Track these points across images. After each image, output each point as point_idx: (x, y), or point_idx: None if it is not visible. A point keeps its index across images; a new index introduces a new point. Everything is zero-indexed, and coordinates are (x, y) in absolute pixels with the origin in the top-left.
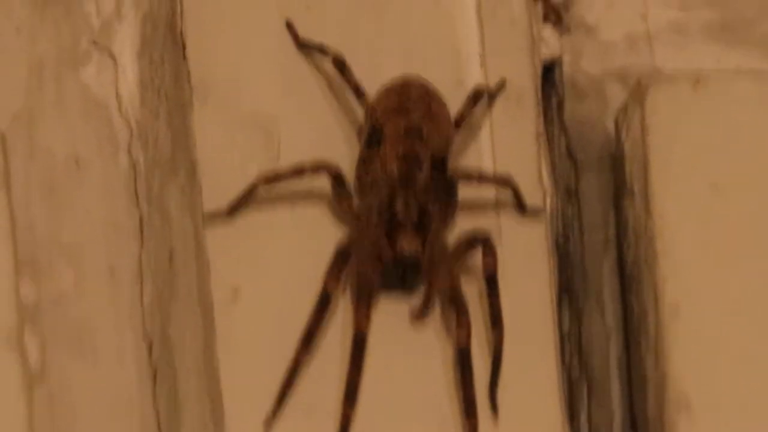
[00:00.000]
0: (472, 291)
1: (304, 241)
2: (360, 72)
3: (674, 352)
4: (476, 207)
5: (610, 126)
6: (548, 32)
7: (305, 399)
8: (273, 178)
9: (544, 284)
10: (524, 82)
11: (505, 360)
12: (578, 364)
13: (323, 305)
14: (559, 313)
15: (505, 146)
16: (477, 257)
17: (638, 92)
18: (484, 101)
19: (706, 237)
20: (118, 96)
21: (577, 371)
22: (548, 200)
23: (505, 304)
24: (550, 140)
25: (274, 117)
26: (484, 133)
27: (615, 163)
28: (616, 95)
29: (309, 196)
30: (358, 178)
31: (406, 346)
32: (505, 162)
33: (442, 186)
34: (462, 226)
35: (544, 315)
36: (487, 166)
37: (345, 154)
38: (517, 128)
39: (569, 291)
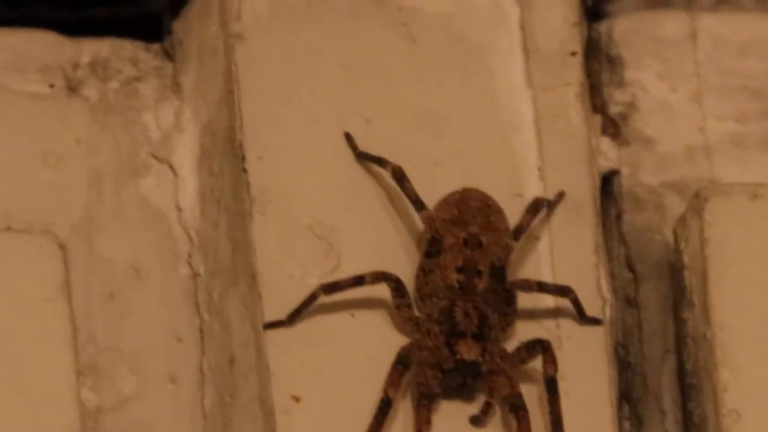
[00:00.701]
0: (532, 398)
1: (364, 349)
2: (419, 185)
3: None
4: (536, 316)
5: (669, 237)
6: (607, 144)
7: None
8: (333, 288)
9: (604, 391)
10: (583, 194)
11: None
12: None
13: (384, 410)
14: (619, 419)
15: (564, 256)
16: (538, 365)
17: (697, 203)
18: (543, 212)
19: (766, 345)
20: (177, 207)
21: None
22: (607, 310)
23: (565, 411)
24: (609, 251)
25: (333, 228)
26: (544, 244)
27: (674, 273)
28: (675, 206)
29: (369, 305)
30: (418, 287)
31: None
32: (565, 272)
33: (501, 295)
34: (522, 335)
35: (604, 421)
36: (547, 276)
37: (405, 264)
38: (576, 239)
39: (629, 398)
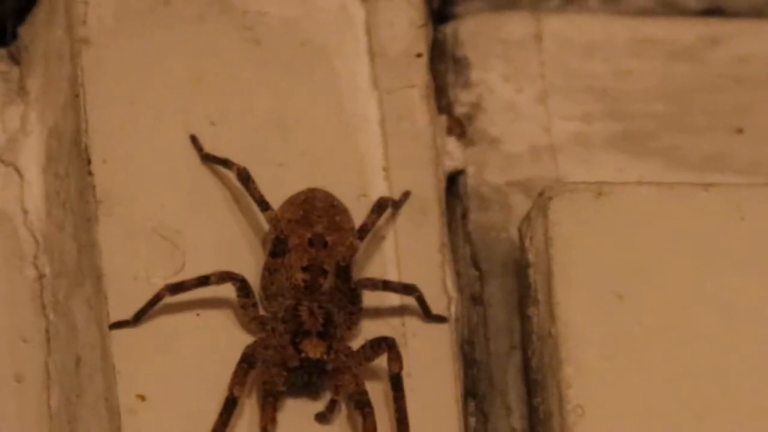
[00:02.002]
0: (378, 395)
1: (210, 348)
2: (264, 186)
3: None
4: (381, 314)
5: (515, 235)
6: (452, 144)
7: None
8: (178, 288)
9: (450, 388)
10: (428, 194)
11: None
12: None
13: (229, 409)
14: (465, 415)
15: (410, 255)
16: (383, 362)
17: (541, 202)
18: (388, 212)
19: (610, 343)
20: (23, 209)
21: None
22: (453, 307)
23: (410, 407)
24: (454, 249)
25: (178, 230)
26: (389, 243)
27: (519, 271)
28: (520, 205)
29: (214, 305)
30: (264, 287)
31: None
32: (410, 271)
33: (346, 294)
34: (367, 333)
35: (450, 417)
36: (393, 275)
37: (250, 265)
38: (421, 238)
39: (475, 394)
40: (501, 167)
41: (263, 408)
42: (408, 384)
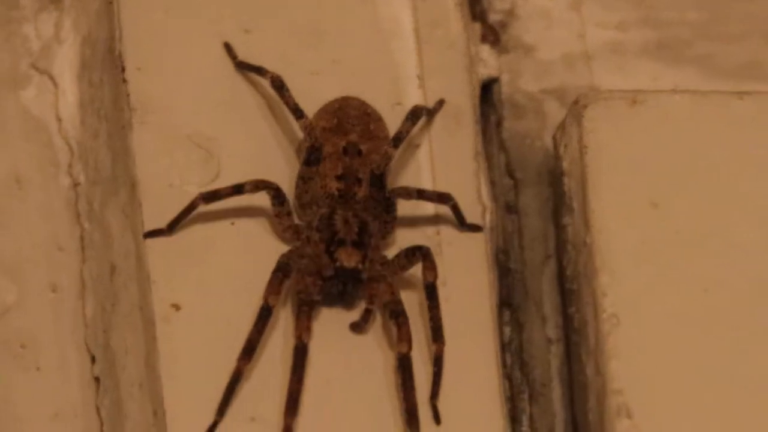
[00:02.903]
0: (412, 304)
1: (244, 257)
2: (298, 94)
3: (613, 361)
4: (416, 223)
5: (549, 143)
6: (486, 52)
7: (247, 409)
8: (212, 197)
9: (484, 297)
10: (462, 102)
11: (446, 370)
12: (520, 373)
13: (264, 318)
14: (499, 325)
15: (444, 164)
16: (418, 271)
17: (576, 110)
18: (422, 120)
19: (644, 251)
20: (58, 117)
21: (519, 381)
22: (488, 216)
23: (445, 317)
24: (489, 158)
25: (213, 137)
26: (423, 152)
27: (554, 179)
28: (555, 113)
29: (249, 213)
30: (298, 196)
31: (348, 358)
32: (445, 179)
33: (380, 203)
34: (402, 242)
35: (485, 327)
36: (427, 183)
37: (284, 173)
38: (456, 146)
39: (510, 304)
40: (535, 75)
41: (298, 317)
42: (443, 293)
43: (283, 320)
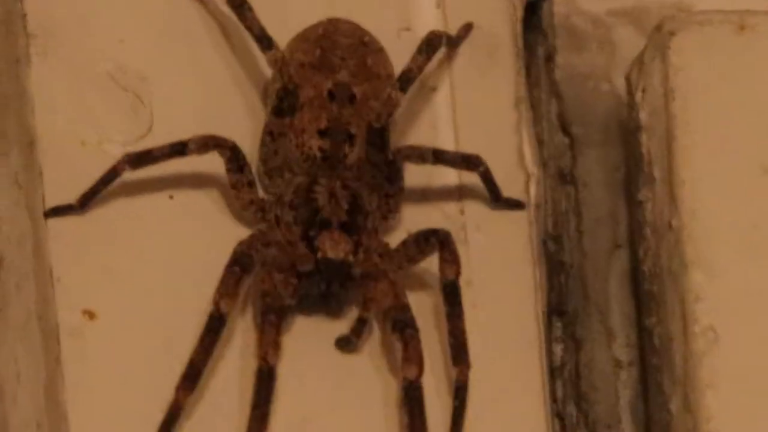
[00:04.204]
0: (424, 311)
1: (186, 245)
2: (266, 15)
3: (709, 392)
4: (430, 197)
5: (620, 86)
6: None
7: None
8: (143, 159)
9: (527, 301)
10: (499, 27)
11: (471, 404)
12: (576, 410)
13: (214, 330)
14: (548, 341)
15: (471, 114)
16: (432, 264)
17: (659, 39)
18: (441, 53)
19: (755, 238)
20: None
21: (573, 417)
22: (533, 188)
23: (471, 329)
24: (535, 107)
25: (143, 76)
26: (443, 97)
27: (627, 136)
28: (628, 43)
29: (193, 183)
30: (264, 158)
31: (333, 387)
32: (473, 136)
33: (381, 169)
34: (410, 223)
35: (527, 343)
36: (447, 141)
37: (245, 126)
38: (488, 90)
39: (562, 313)
40: None
41: (262, 329)
42: (467, 296)
43: (241, 333)
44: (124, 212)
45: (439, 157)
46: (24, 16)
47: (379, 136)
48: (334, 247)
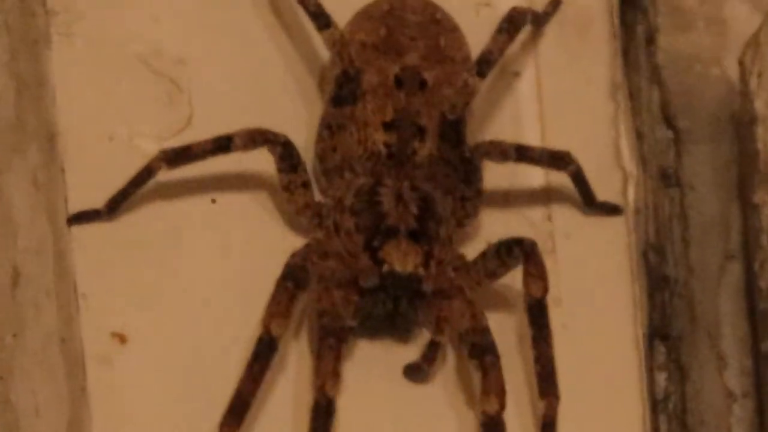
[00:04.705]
0: (506, 334)
1: (232, 255)
2: None
3: None
4: (513, 202)
5: (733, 71)
6: None
7: None
8: (181, 157)
9: (625, 324)
10: (592, 1)
11: None
12: None
13: (264, 356)
14: (649, 368)
15: (560, 105)
16: (515, 280)
17: None
18: (526, 31)
19: None
20: None
21: None
22: (631, 190)
23: (560, 355)
24: (634, 95)
25: (181, 58)
26: (527, 84)
27: (740, 131)
28: (742, 22)
29: (240, 184)
30: (321, 156)
31: (400, 421)
32: (561, 130)
33: (457, 168)
34: (490, 232)
35: (625, 371)
36: (532, 136)
37: (298, 118)
38: (579, 77)
39: (666, 336)
40: None
41: (320, 355)
42: (557, 317)
43: (295, 360)
44: (160, 218)
45: (523, 154)
46: None
47: (453, 130)
48: (401, 259)
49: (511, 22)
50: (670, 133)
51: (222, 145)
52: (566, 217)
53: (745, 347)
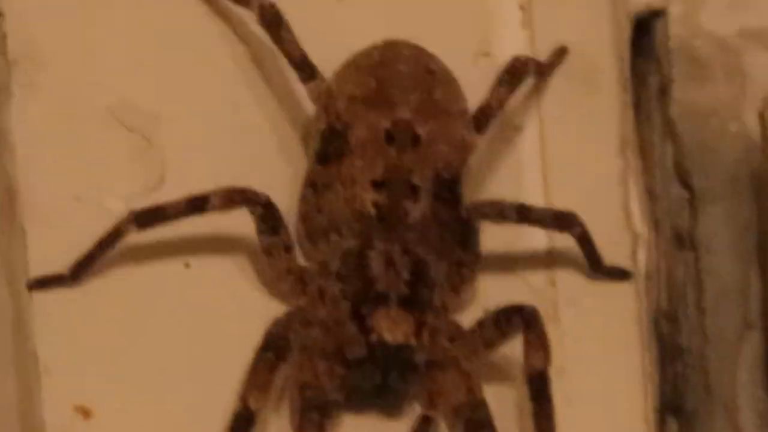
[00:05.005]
0: (505, 408)
1: (204, 325)
2: (308, 38)
3: None
4: (513, 266)
5: (752, 124)
6: None
7: None
8: (153, 218)
9: (634, 398)
10: (599, 51)
11: None
12: None
13: (243, 430)
14: None
15: (565, 162)
16: (515, 350)
17: None
18: (528, 84)
19: None
20: None
21: None
22: (642, 254)
23: (564, 430)
24: (645, 152)
25: (154, 114)
26: (530, 140)
27: (761, 190)
28: (763, 73)
29: (215, 248)
30: (305, 217)
31: None
32: (566, 189)
33: (452, 230)
34: (488, 299)
35: None
36: (535, 195)
37: (280, 177)
38: (586, 131)
39: (679, 410)
40: (727, 3)
41: (302, 430)
42: (559, 390)
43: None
44: (128, 284)
45: (524, 214)
46: (4, 37)
47: (449, 189)
48: (392, 328)
49: (513, 73)
50: (684, 192)
51: (197, 205)
52: (571, 283)
53: (765, 422)
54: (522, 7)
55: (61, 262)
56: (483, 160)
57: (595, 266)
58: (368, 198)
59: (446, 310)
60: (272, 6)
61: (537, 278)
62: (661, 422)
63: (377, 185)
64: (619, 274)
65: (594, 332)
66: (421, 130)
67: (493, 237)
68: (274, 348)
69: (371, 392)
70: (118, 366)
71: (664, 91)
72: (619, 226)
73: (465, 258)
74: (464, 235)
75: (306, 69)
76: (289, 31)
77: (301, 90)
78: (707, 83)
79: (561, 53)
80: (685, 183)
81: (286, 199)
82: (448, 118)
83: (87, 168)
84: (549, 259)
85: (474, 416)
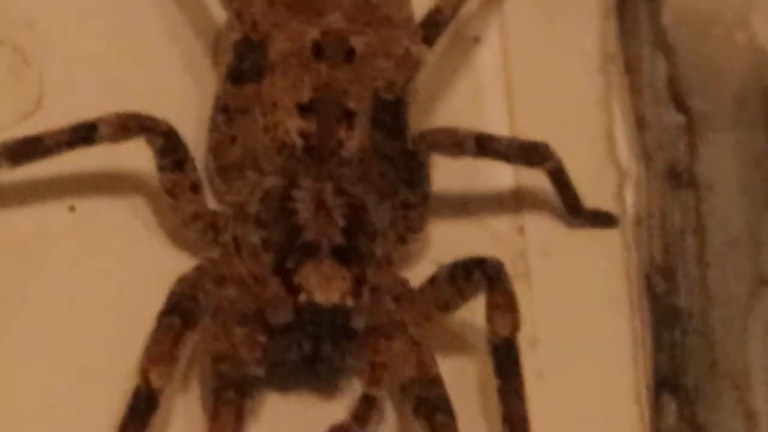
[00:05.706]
0: (464, 385)
1: (93, 281)
2: None
3: None
4: (472, 210)
5: (764, 33)
6: None
7: None
8: (29, 151)
9: (622, 372)
10: None
11: None
12: None
13: (143, 412)
14: (656, 427)
15: (533, 81)
16: (475, 313)
17: None
18: None
19: None
20: None
21: None
22: (630, 195)
23: (536, 411)
24: (632, 68)
25: (29, 20)
26: (489, 53)
27: None
28: None
29: (105, 188)
30: (216, 149)
31: None
32: (535, 115)
33: (396, 165)
34: (442, 250)
35: (624, 427)
36: (497, 122)
37: (184, 100)
38: (559, 43)
39: (676, 386)
40: None
41: (216, 413)
42: (531, 362)
43: (182, 419)
44: (2, 231)
45: (485, 146)
46: None
47: (391, 114)
48: (324, 286)
49: None
50: (681, 119)
51: (83, 135)
52: (543, 230)
53: None
54: None
55: None
56: (434, 80)
57: (572, 209)
58: (293, 125)
59: (390, 264)
60: None
61: (502, 224)
62: (656, 401)
63: (304, 110)
64: (603, 220)
65: (572, 291)
66: (357, 42)
67: (448, 174)
68: (179, 311)
69: (299, 365)
70: (8, 331)
71: None
72: (601, 159)
73: (412, 199)
74: (411, 171)
75: None
76: None
77: None
78: None
79: None
80: (682, 107)
81: (193, 128)
82: (389, 26)
83: None
84: (516, 201)
85: (425, 394)
